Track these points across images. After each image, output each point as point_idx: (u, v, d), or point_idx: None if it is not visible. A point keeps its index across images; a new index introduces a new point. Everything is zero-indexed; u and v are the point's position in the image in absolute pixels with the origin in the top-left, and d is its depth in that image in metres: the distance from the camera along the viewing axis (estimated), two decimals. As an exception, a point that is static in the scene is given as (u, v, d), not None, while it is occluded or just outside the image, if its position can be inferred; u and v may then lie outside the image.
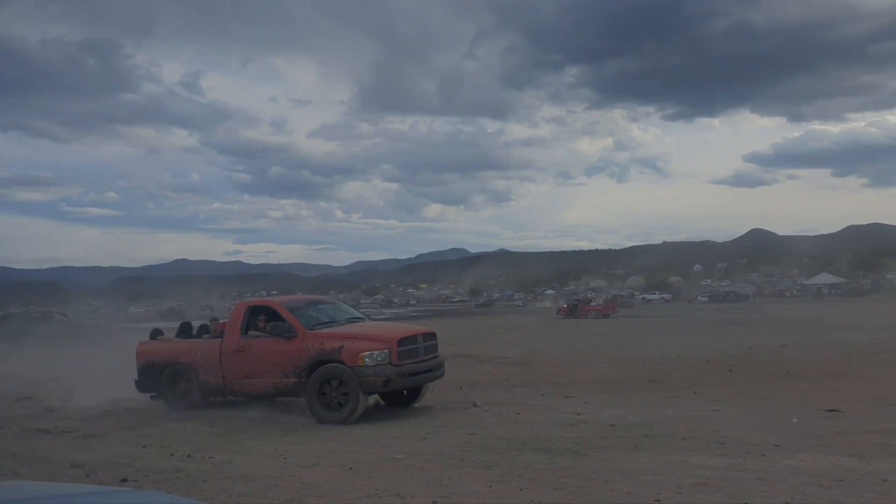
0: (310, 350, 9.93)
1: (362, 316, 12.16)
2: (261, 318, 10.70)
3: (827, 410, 9.43)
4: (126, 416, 10.85)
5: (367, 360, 9.61)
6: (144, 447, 8.41)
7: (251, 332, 10.62)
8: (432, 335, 10.92)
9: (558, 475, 6.45)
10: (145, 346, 11.66)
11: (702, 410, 9.86)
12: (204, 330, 11.99)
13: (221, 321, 11.87)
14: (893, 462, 6.48)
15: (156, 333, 12.24)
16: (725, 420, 8.99)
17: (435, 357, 10.80)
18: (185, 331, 12.09)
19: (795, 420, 8.91)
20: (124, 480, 6.63)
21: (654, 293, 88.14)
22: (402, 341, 10.08)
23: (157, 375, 11.21)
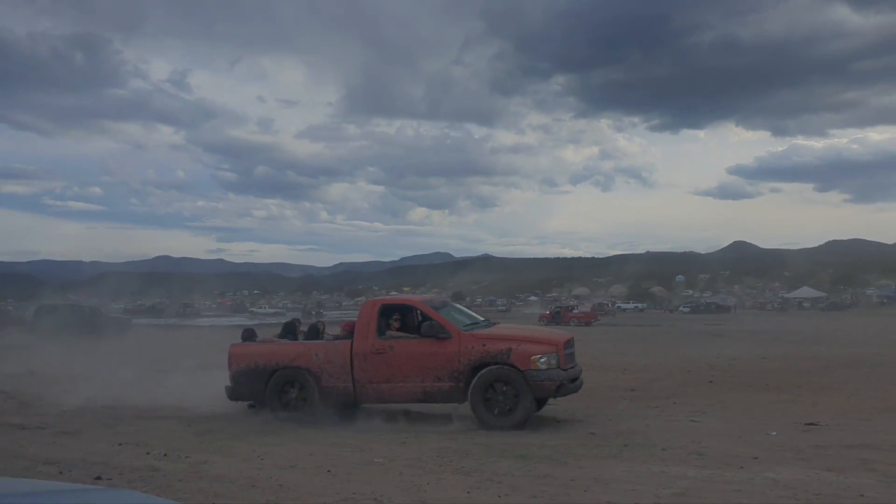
0: (470, 352, 9.34)
1: (485, 319, 11.17)
2: (395, 317, 10.10)
3: (805, 424, 9.49)
4: (102, 414, 10.71)
5: (540, 363, 9.16)
6: (120, 445, 8.30)
7: (389, 333, 9.89)
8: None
9: (537, 483, 6.43)
10: (243, 349, 10.47)
11: (681, 421, 9.89)
12: (313, 331, 10.96)
13: (346, 321, 10.85)
14: (871, 477, 6.52)
15: (249, 334, 11.10)
16: (705, 431, 9.02)
17: (577, 364, 10.25)
18: (290, 331, 11.05)
19: (774, 433, 8.95)
20: (98, 478, 6.53)
21: (629, 302, 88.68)
22: (567, 344, 9.70)
23: (260, 381, 10.04)
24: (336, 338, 10.40)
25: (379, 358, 9.66)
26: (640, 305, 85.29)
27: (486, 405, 9.23)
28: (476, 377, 9.26)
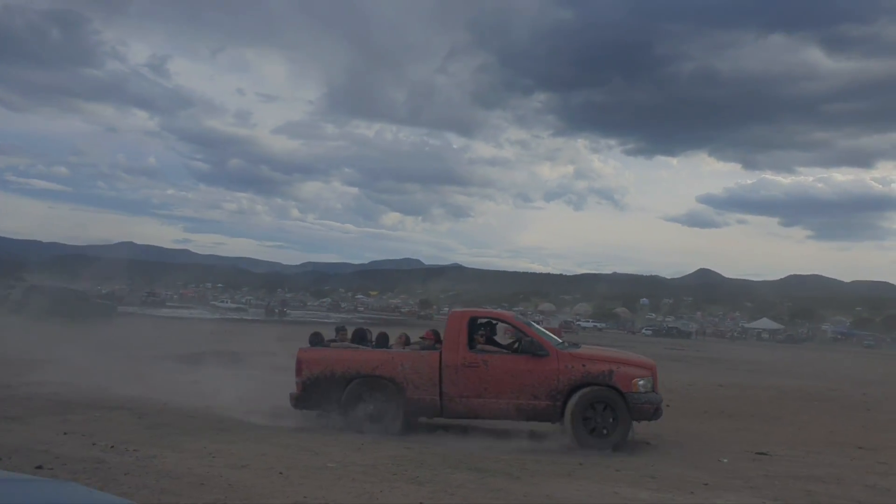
0: (570, 372, 9.25)
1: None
2: (481, 331, 9.88)
3: (756, 453, 9.63)
4: (50, 401, 10.42)
5: (640, 386, 9.19)
6: (66, 434, 8.07)
7: (480, 347, 9.64)
8: None
9: (490, 496, 6.41)
10: (316, 354, 9.86)
11: (637, 443, 9.96)
12: (383, 339, 10.48)
13: (427, 330, 10.43)
14: (816, 509, 6.62)
15: (318, 339, 10.48)
16: (659, 454, 9.10)
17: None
18: (362, 338, 10.54)
19: (726, 460, 9.07)
20: (39, 468, 6.33)
21: (589, 321, 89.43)
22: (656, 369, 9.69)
23: (335, 390, 9.49)
24: (423, 348, 9.96)
25: (471, 372, 9.37)
26: (599, 325, 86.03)
27: (584, 426, 9.15)
28: (576, 397, 9.16)
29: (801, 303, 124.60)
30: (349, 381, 9.50)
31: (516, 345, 9.91)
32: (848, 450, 10.38)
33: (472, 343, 9.59)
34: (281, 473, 6.74)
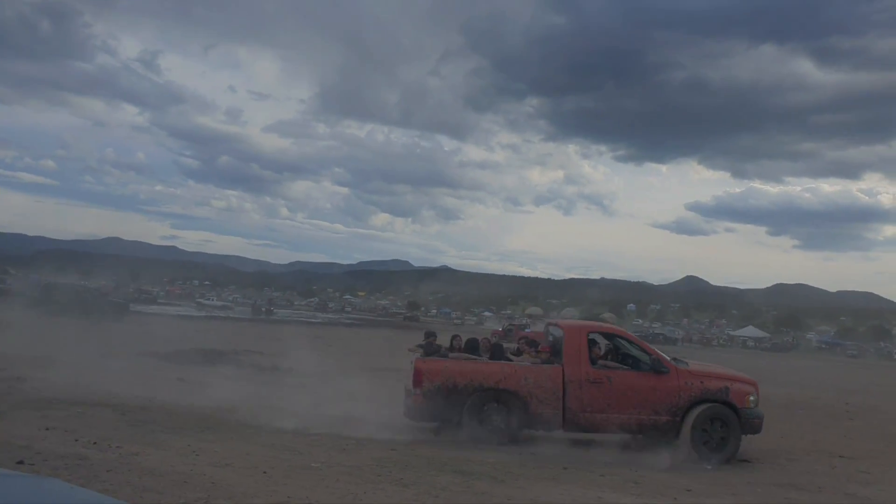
0: (690, 388, 9.50)
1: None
2: (597, 346, 9.97)
3: (740, 460, 9.69)
4: (31, 395, 10.33)
5: (751, 402, 9.55)
6: (48, 429, 7.98)
7: (601, 363, 9.73)
8: None
9: (474, 499, 6.42)
10: (436, 365, 9.64)
11: (621, 448, 9.99)
12: (498, 349, 10.29)
13: (542, 344, 10.30)
14: (797, 517, 6.67)
15: (433, 349, 10.31)
16: (628, 460, 9.12)
17: None
18: (474, 348, 10.29)
19: (709, 466, 9.13)
20: (20, 463, 6.27)
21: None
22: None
23: (456, 402, 9.33)
24: (544, 361, 9.86)
25: (595, 388, 9.45)
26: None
27: (702, 439, 9.39)
28: (695, 412, 9.40)
29: (787, 311, 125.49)
30: (471, 393, 9.38)
31: (607, 357, 10.05)
32: (830, 458, 10.46)
33: (592, 359, 9.69)
34: (265, 473, 6.72)
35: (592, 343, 9.98)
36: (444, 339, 11.34)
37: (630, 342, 10.23)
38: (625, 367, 9.80)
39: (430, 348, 10.27)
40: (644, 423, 9.50)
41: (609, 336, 10.47)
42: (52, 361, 13.84)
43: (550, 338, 10.80)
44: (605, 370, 9.60)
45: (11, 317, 25.63)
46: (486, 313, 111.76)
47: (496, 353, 10.18)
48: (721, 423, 9.43)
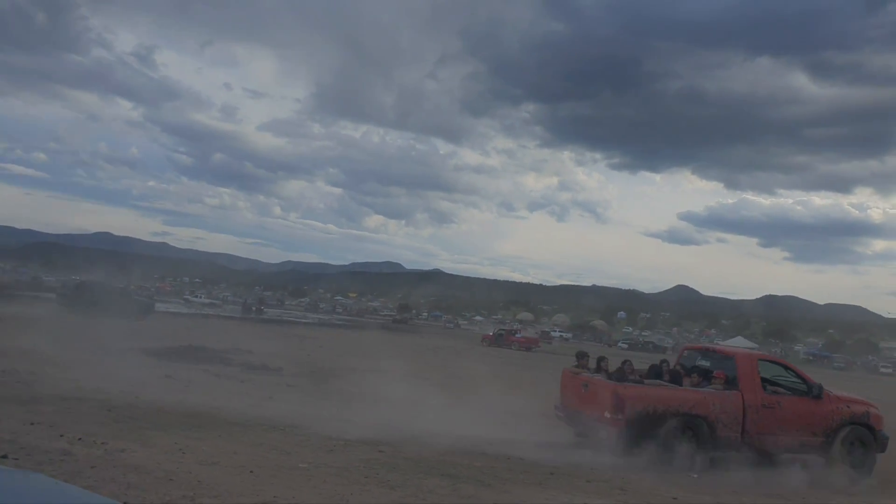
0: (841, 412, 10.30)
1: None
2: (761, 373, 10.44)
3: (724, 470, 9.71)
4: (17, 389, 10.25)
5: (883, 424, 10.47)
6: (32, 424, 7.92)
7: (770, 388, 10.35)
8: None
9: (460, 503, 6.41)
10: (636, 391, 9.82)
11: (609, 455, 10.00)
12: (676, 375, 10.72)
13: (717, 371, 10.47)
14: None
15: (623, 375, 10.55)
16: (630, 466, 9.14)
17: None
18: (659, 374, 10.85)
19: (696, 475, 9.15)
20: (4, 457, 6.21)
21: (556, 330, 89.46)
22: None
23: (654, 428, 9.50)
24: (723, 388, 10.16)
25: (768, 412, 10.05)
26: (565, 335, 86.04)
27: (847, 459, 10.14)
28: (843, 433, 10.23)
29: (776, 323, 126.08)
30: (666, 419, 9.63)
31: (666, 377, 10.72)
32: (814, 468, 10.52)
33: (763, 385, 10.29)
34: (251, 472, 6.69)
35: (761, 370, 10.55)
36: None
37: (790, 370, 10.97)
38: (790, 393, 10.50)
39: (620, 375, 10.57)
40: (804, 444, 10.22)
41: (772, 364, 11.24)
42: (43, 357, 13.74)
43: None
44: (775, 395, 10.29)
45: (41, 314, 26.98)
46: (478, 318, 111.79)
47: (675, 378, 10.66)
48: (860, 443, 10.30)
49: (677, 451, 9.48)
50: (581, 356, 11.60)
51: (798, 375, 10.72)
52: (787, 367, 11.07)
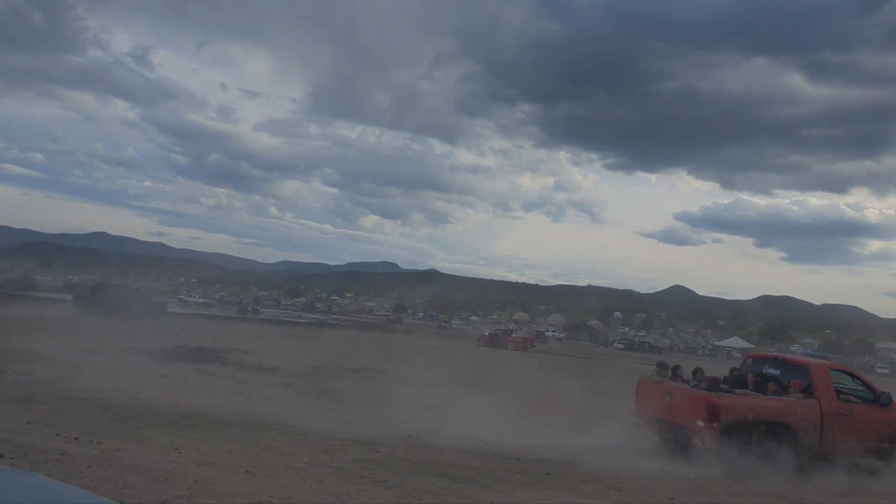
0: None
1: None
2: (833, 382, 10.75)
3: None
4: (13, 389, 10.23)
5: None
6: (29, 423, 7.90)
7: (843, 397, 10.67)
8: None
9: (456, 503, 6.41)
10: (731, 401, 10.11)
11: (605, 455, 10.02)
12: (760, 384, 10.90)
13: (793, 380, 10.84)
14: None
15: (716, 384, 10.80)
16: (626, 467, 9.16)
17: None
18: (743, 383, 11.06)
19: (692, 475, 9.17)
20: (0, 457, 6.20)
21: (550, 330, 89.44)
22: None
23: (745, 436, 9.80)
24: (804, 396, 10.53)
25: (843, 420, 10.39)
26: (558, 335, 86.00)
27: None
28: None
29: (772, 323, 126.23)
30: (755, 427, 9.95)
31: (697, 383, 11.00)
32: (811, 471, 10.55)
33: (837, 393, 10.64)
34: (247, 472, 6.68)
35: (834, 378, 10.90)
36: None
37: (857, 379, 11.28)
38: (862, 402, 10.80)
39: (713, 384, 10.75)
40: (873, 449, 10.61)
41: (841, 373, 11.49)
42: (41, 356, 13.72)
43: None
44: (848, 404, 10.59)
45: (60, 315, 27.63)
46: (474, 318, 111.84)
47: (759, 387, 10.81)
48: None
49: (766, 457, 9.68)
50: (662, 366, 11.98)
51: (865, 384, 11.09)
52: (854, 377, 11.40)
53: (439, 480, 7.16)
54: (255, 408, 10.80)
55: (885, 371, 64.79)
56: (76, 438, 7.28)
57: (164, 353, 17.44)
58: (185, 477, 6.22)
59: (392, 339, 41.10)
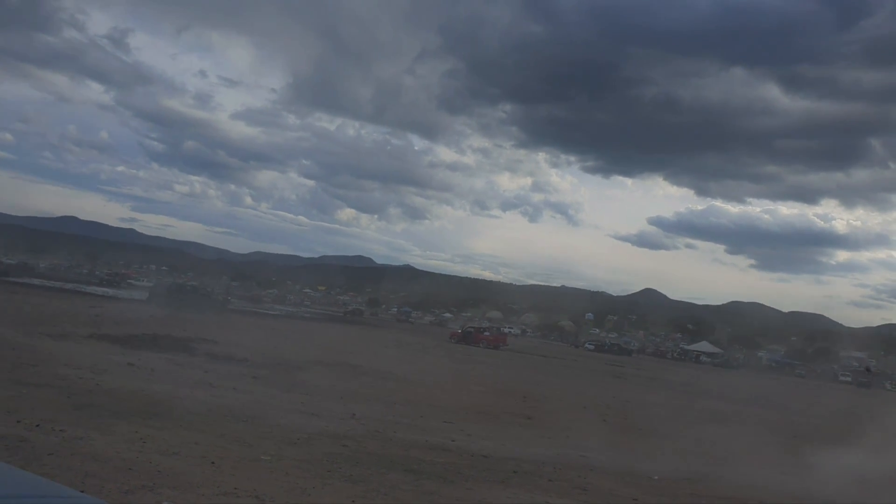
0: None
1: None
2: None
3: (687, 472, 9.87)
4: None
5: None
6: (-11, 409, 7.75)
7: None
8: None
9: (422, 499, 6.42)
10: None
11: (571, 454, 10.11)
12: None
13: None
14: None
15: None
16: (592, 467, 9.25)
17: None
18: None
19: (657, 477, 9.28)
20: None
21: (510, 327, 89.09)
22: None
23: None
24: None
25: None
26: (513, 331, 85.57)
27: None
28: None
29: (740, 329, 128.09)
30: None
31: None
32: (773, 473, 10.74)
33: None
34: (213, 463, 6.62)
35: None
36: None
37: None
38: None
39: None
40: None
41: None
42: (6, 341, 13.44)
43: None
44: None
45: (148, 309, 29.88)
46: (447, 315, 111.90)
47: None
48: None
49: None
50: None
51: None
52: None
53: (406, 476, 7.16)
54: (223, 399, 10.70)
55: (848, 379, 66.17)
56: (37, 425, 7.16)
57: (131, 340, 17.19)
58: (149, 467, 6.15)
59: (364, 333, 40.97)
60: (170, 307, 32.26)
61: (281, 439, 8.30)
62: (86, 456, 6.23)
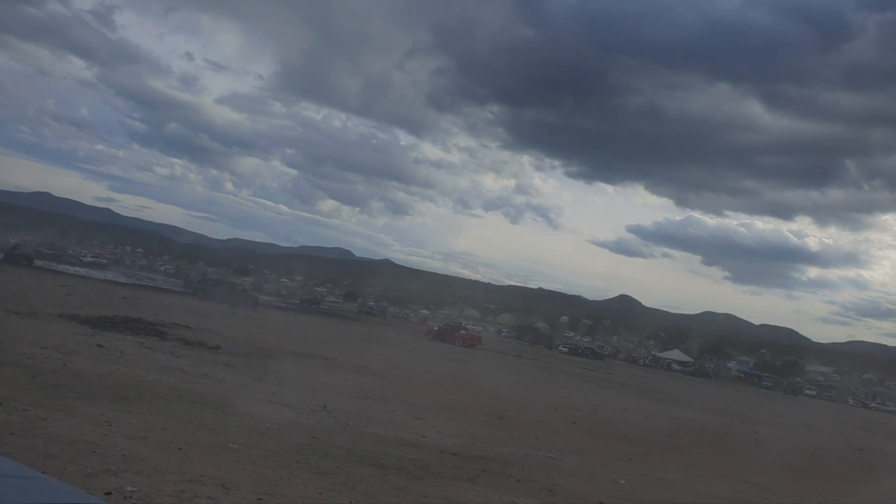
0: None
1: None
2: None
3: (654, 477, 9.94)
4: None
5: None
6: (-49, 385, 7.59)
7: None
8: None
9: (389, 493, 6.41)
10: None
11: (540, 455, 10.15)
12: None
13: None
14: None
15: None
16: (545, 468, 9.28)
17: None
18: None
19: (623, 481, 9.35)
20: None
21: (471, 325, 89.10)
22: None
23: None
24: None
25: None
26: (477, 328, 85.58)
27: None
28: None
29: (712, 339, 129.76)
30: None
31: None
32: (736, 483, 10.88)
33: None
34: (180, 449, 6.55)
35: None
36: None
37: None
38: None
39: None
40: None
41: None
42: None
43: None
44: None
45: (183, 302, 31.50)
46: (424, 311, 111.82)
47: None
48: None
49: None
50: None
51: None
52: None
53: (374, 470, 7.14)
54: (193, 385, 10.58)
55: (813, 393, 67.29)
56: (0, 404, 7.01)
57: (102, 322, 16.94)
58: (114, 451, 6.06)
59: (339, 326, 40.82)
60: (208, 300, 34.98)
61: (250, 428, 8.23)
62: (48, 437, 6.12)
